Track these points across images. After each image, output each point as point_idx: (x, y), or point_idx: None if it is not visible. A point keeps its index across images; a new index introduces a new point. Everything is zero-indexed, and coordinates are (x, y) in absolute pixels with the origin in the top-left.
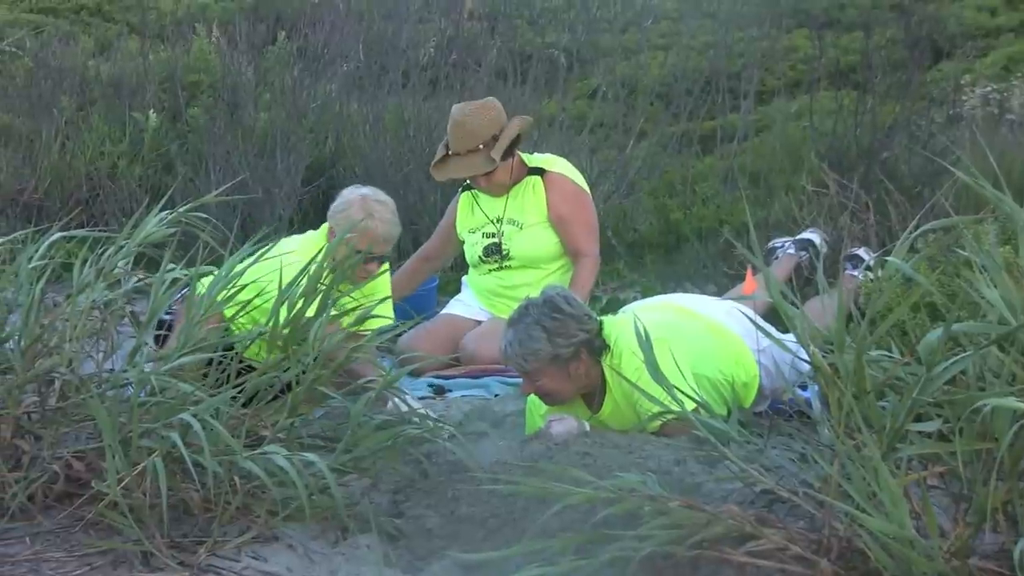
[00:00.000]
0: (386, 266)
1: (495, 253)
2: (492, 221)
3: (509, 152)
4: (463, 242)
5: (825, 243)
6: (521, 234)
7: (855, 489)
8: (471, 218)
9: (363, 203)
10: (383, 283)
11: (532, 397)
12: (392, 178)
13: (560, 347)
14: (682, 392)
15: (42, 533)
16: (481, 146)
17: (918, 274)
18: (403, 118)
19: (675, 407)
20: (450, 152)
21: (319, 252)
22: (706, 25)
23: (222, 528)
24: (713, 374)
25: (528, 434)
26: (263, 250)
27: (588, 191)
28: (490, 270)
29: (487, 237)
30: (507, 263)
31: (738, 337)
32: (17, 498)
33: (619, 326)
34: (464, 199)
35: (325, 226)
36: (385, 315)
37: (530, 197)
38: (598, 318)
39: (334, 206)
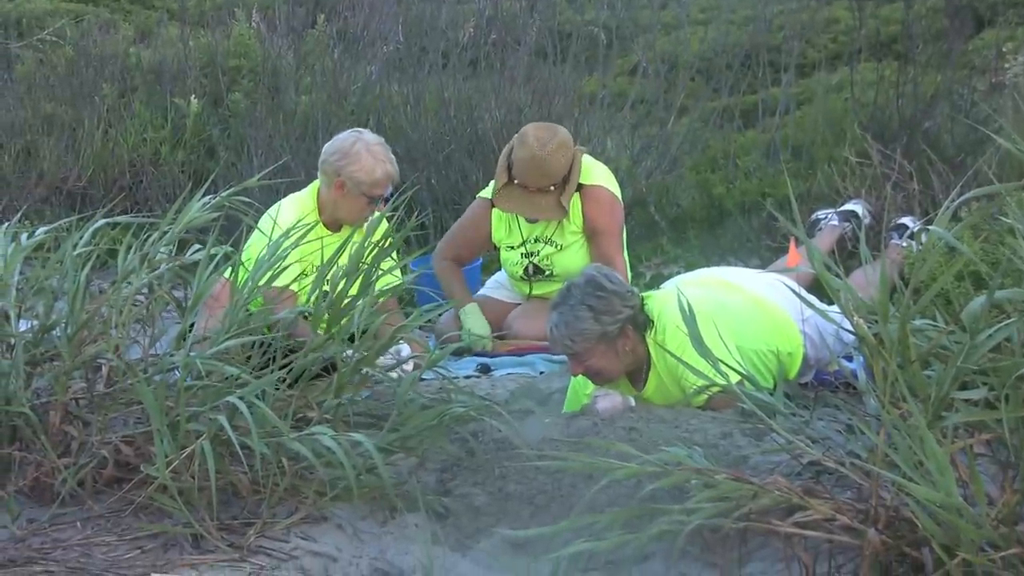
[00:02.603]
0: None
1: (538, 273)
2: (530, 240)
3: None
4: (498, 249)
5: (868, 214)
6: (561, 254)
7: (902, 458)
8: (508, 235)
9: (369, 151)
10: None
11: (576, 379)
12: (434, 158)
13: (607, 324)
14: (727, 365)
15: (92, 518)
16: (552, 187)
17: (961, 243)
18: (444, 98)
19: (720, 380)
20: (515, 180)
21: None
22: None
23: (271, 510)
24: (757, 346)
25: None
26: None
27: (620, 198)
28: (531, 283)
29: (526, 257)
30: (550, 278)
31: (781, 308)
32: (67, 484)
33: (661, 301)
34: (496, 213)
35: (315, 184)
36: (392, 270)
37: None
38: (640, 293)
39: (334, 159)
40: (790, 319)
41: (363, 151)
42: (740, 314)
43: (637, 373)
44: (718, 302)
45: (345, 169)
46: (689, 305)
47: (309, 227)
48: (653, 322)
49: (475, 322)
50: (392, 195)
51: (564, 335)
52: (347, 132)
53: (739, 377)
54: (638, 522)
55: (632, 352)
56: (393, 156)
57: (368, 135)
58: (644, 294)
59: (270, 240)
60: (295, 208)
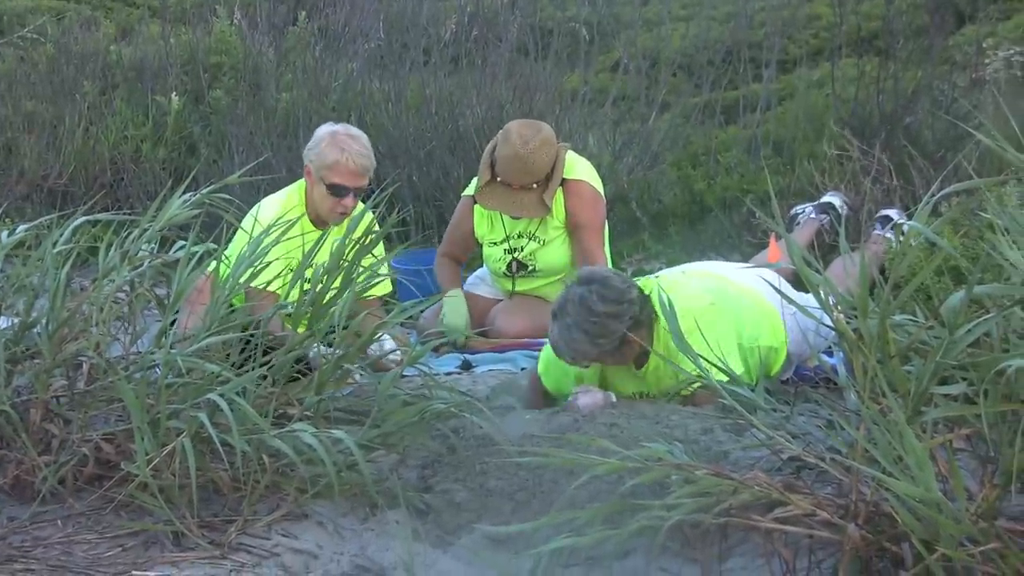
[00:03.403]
0: (369, 212)
1: (521, 269)
2: (512, 236)
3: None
4: (481, 246)
5: (846, 205)
6: (544, 249)
7: (881, 453)
8: (491, 231)
9: (333, 139)
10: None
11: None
12: (415, 155)
13: (603, 345)
14: (712, 364)
15: (73, 516)
16: (535, 185)
17: (941, 238)
18: (425, 95)
19: (716, 375)
20: (498, 177)
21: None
22: None
23: (252, 507)
24: (750, 342)
25: (544, 377)
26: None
27: (603, 194)
28: (513, 280)
29: (508, 253)
30: (532, 274)
31: (769, 301)
32: (48, 481)
33: (671, 291)
34: (478, 208)
35: (301, 181)
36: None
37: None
38: (643, 289)
39: (308, 145)
40: (777, 313)
41: (327, 136)
42: (739, 306)
43: (641, 355)
44: (723, 295)
45: (309, 153)
46: (670, 302)
47: (290, 223)
48: (659, 313)
49: (454, 313)
50: (372, 192)
51: (567, 352)
52: (332, 123)
53: (726, 376)
54: (619, 518)
55: (639, 346)
56: (363, 150)
57: (347, 128)
58: (650, 280)
59: (251, 237)
60: (277, 205)
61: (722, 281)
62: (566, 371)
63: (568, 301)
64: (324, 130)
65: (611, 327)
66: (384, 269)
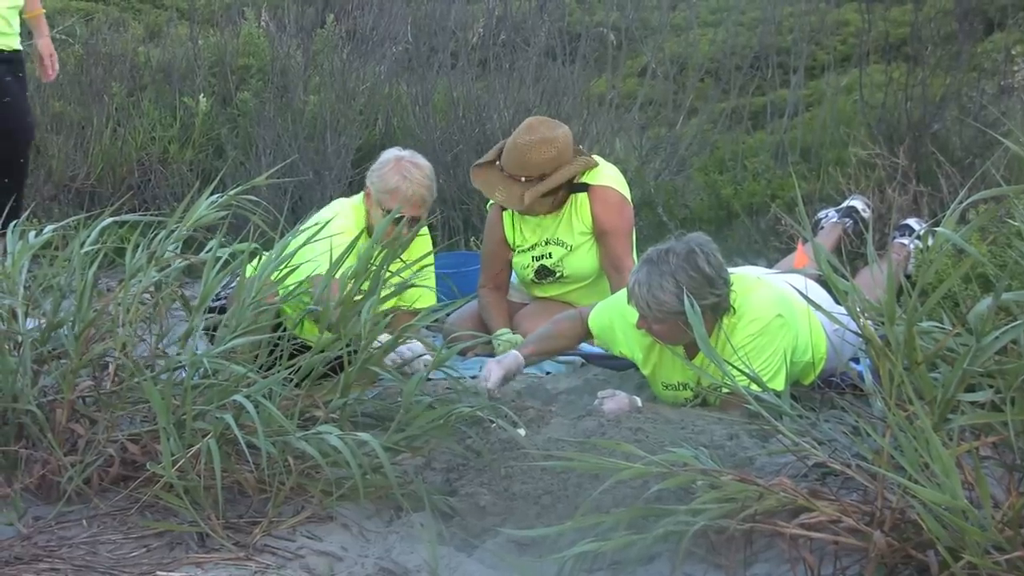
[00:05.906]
0: (425, 232)
1: (549, 275)
2: (540, 243)
3: (553, 192)
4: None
5: (868, 207)
6: (572, 255)
7: (907, 460)
8: (518, 237)
9: (398, 165)
10: (422, 251)
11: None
12: (442, 159)
13: (683, 307)
14: (744, 374)
15: (99, 516)
16: (523, 179)
17: (969, 244)
18: (452, 99)
19: (773, 385)
20: (498, 162)
21: (360, 233)
22: (755, 0)
23: (277, 508)
24: (796, 358)
25: (593, 321)
26: (311, 228)
27: (630, 200)
28: (541, 286)
29: (536, 260)
30: (560, 280)
31: (820, 321)
32: (73, 482)
33: (745, 289)
34: (506, 215)
35: (360, 198)
36: (426, 284)
37: (575, 215)
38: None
39: (373, 166)
40: (823, 332)
41: (391, 160)
42: (801, 323)
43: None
44: (790, 307)
45: (372, 175)
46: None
47: (350, 238)
48: (735, 310)
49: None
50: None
51: (643, 297)
52: (400, 148)
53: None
54: (643, 523)
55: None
56: (425, 180)
57: (414, 156)
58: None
59: (310, 239)
60: (352, 215)
61: (791, 298)
62: (624, 326)
63: (672, 252)
64: (390, 154)
65: (703, 291)
66: (430, 274)
